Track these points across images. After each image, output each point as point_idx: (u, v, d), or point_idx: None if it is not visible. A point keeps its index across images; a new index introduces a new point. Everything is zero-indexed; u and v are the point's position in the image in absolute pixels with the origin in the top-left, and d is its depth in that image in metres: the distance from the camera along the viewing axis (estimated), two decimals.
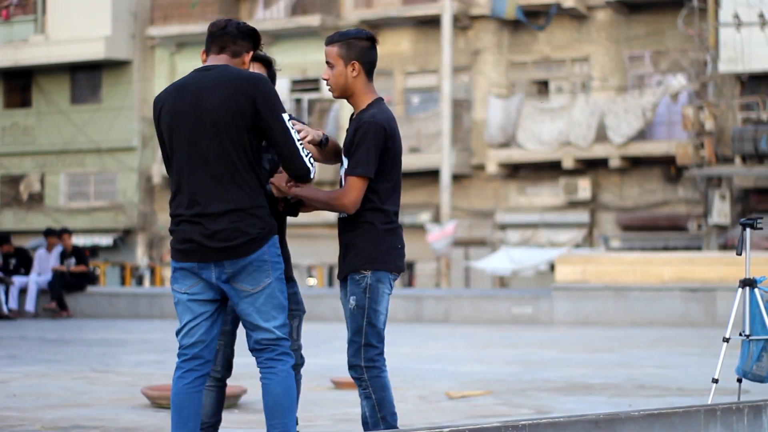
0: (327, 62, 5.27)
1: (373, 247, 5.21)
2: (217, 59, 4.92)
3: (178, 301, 4.92)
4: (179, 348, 4.93)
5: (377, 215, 5.22)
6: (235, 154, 4.77)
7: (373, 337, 5.23)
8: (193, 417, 4.86)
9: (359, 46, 5.24)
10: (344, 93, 5.30)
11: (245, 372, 8.92)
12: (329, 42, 5.29)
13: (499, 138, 31.74)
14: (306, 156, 4.88)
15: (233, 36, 4.94)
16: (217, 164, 4.78)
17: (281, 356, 4.88)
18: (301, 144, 4.89)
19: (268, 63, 5.48)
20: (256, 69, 5.35)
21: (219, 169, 4.78)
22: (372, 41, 5.28)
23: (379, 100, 5.29)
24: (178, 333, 4.95)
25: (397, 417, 5.37)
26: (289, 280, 5.42)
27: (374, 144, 5.15)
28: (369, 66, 5.26)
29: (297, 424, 5.02)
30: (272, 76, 5.47)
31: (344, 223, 5.30)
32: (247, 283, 4.81)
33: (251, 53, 5.01)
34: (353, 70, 5.23)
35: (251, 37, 5.01)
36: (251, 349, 4.93)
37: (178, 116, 4.82)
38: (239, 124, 4.76)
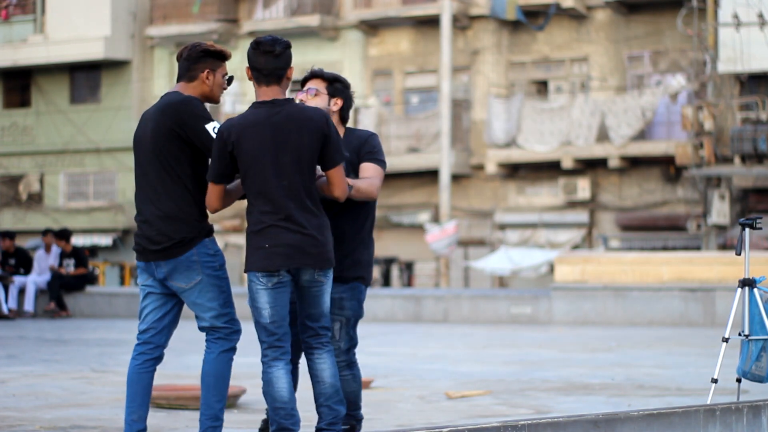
0: None
1: (246, 249, 5.56)
2: (177, 86, 5.69)
3: (140, 292, 5.76)
4: (137, 333, 5.76)
5: (249, 218, 5.56)
6: (165, 169, 5.58)
7: (259, 333, 5.55)
8: (140, 393, 5.64)
9: (248, 51, 5.60)
10: None
11: (244, 372, 8.93)
12: None
13: (500, 138, 31.75)
14: None
15: (186, 63, 5.66)
16: (155, 179, 5.62)
17: (217, 341, 5.60)
18: None
19: (328, 79, 5.99)
20: (316, 84, 5.97)
21: (155, 183, 5.62)
22: (254, 47, 5.54)
23: (253, 104, 5.58)
24: (139, 315, 5.77)
25: (284, 414, 5.47)
26: (339, 280, 5.84)
27: (215, 149, 5.51)
28: (254, 73, 5.56)
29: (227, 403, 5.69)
30: (337, 92, 5.97)
31: None
32: (180, 281, 5.59)
33: (208, 70, 5.63)
34: (249, 76, 5.62)
35: (206, 57, 5.64)
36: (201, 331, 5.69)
37: (136, 139, 5.74)
38: (168, 145, 5.54)
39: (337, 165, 5.53)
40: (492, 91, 32.30)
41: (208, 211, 5.63)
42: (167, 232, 5.56)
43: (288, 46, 5.54)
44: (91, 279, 23.34)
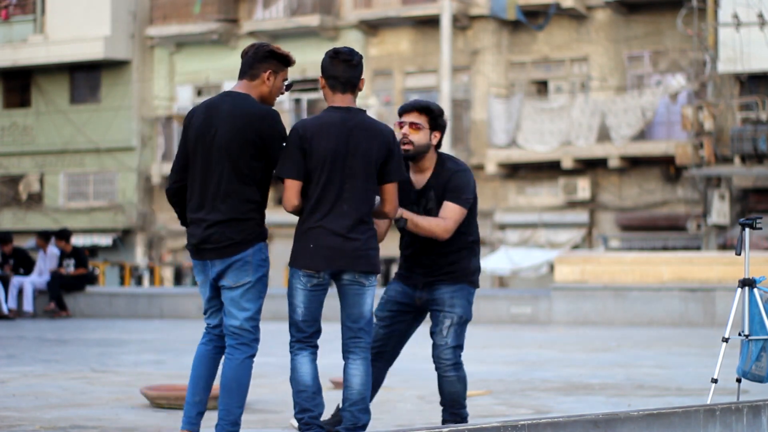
0: None
1: (294, 244, 5.73)
2: (239, 85, 5.73)
3: (200, 291, 5.83)
4: (206, 326, 5.85)
5: (303, 216, 5.69)
6: (236, 174, 5.57)
7: (291, 327, 5.79)
8: (204, 376, 5.78)
9: (323, 60, 5.77)
10: None
11: None
12: None
13: (500, 138, 31.74)
14: None
15: (251, 60, 5.71)
16: (221, 180, 5.59)
17: (240, 346, 5.67)
18: None
19: (433, 113, 6.11)
20: (418, 119, 6.10)
21: (221, 183, 5.59)
22: (332, 56, 5.72)
23: (328, 108, 5.74)
24: (204, 313, 5.87)
25: (306, 397, 5.72)
26: (448, 282, 6.19)
27: (290, 146, 5.63)
28: (330, 81, 5.74)
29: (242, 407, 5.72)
30: (438, 126, 6.12)
31: None
32: (231, 279, 5.64)
33: (271, 71, 5.69)
34: (323, 84, 5.79)
35: (271, 58, 5.71)
36: (225, 332, 5.78)
37: (200, 134, 5.65)
38: (244, 151, 5.57)
39: (393, 182, 5.76)
40: (492, 91, 32.30)
41: (287, 210, 5.70)
42: (230, 234, 5.60)
43: (362, 58, 5.80)
44: (91, 279, 23.33)
